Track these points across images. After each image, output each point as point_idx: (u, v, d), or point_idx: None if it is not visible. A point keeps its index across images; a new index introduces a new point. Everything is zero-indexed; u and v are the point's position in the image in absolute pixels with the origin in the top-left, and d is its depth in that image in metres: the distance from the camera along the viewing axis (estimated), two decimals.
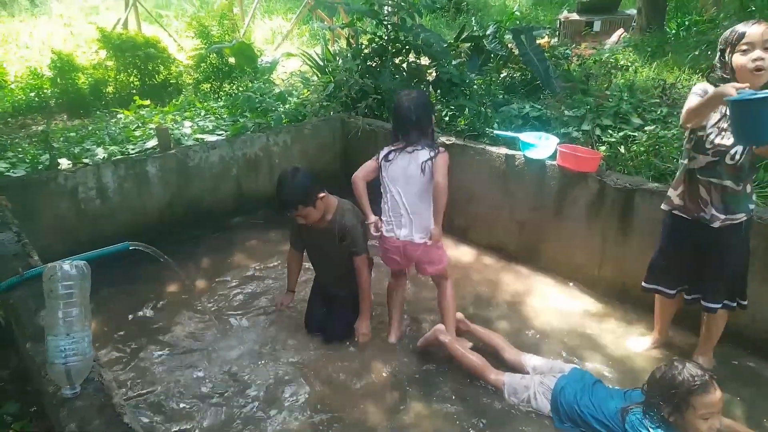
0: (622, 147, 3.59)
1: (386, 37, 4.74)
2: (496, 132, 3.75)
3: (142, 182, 3.74)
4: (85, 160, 3.79)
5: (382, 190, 2.69)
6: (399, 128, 2.67)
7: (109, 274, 3.37)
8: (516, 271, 3.52)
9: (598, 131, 3.74)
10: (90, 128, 4.90)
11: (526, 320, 3.04)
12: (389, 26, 4.71)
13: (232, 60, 6.63)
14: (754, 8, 4.07)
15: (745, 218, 2.29)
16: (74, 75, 6.79)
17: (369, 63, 4.75)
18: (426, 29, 4.80)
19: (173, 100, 6.08)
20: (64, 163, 3.76)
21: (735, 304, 2.43)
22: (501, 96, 4.73)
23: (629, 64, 6.44)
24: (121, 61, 6.90)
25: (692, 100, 2.22)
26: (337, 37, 8.43)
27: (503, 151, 3.52)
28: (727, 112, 2.13)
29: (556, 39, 9.04)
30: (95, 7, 15.02)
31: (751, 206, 2.31)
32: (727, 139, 2.19)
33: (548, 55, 5.30)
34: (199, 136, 4.31)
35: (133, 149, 4.06)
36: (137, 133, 4.45)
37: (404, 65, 4.80)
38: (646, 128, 3.91)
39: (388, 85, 4.45)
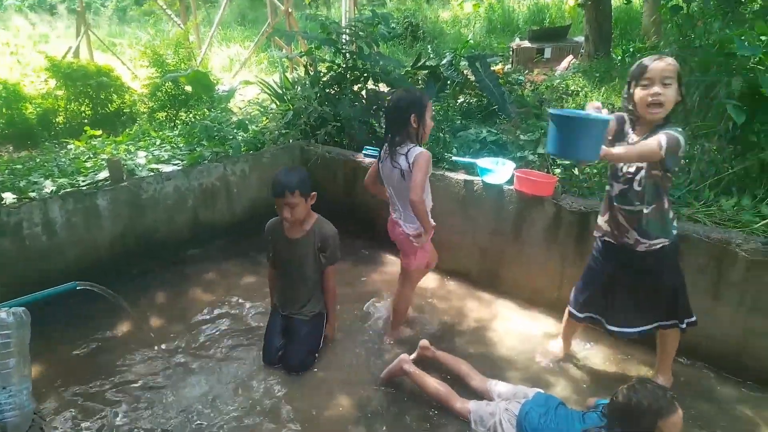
0: (576, 170, 3.70)
1: (344, 65, 4.78)
2: (454, 158, 3.80)
3: (91, 216, 3.59)
4: (32, 194, 3.62)
5: None
6: (385, 128, 2.80)
7: (57, 313, 3.23)
8: (479, 297, 3.53)
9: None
10: (38, 160, 4.70)
11: (490, 345, 3.05)
12: (347, 54, 4.75)
13: (188, 88, 6.54)
14: (693, 35, 4.30)
15: (667, 243, 2.33)
16: (21, 105, 6.56)
17: (328, 90, 4.76)
18: (384, 56, 4.86)
19: (127, 130, 5.92)
20: (9, 197, 3.58)
21: (683, 325, 2.47)
22: (458, 121, 4.83)
23: (579, 89, 6.70)
24: (71, 90, 6.72)
25: None
26: (296, 65, 8.47)
27: (462, 176, 3.56)
28: (628, 140, 2.28)
29: (509, 66, 9.35)
30: (44, 35, 14.65)
31: (674, 231, 2.36)
32: (633, 167, 2.28)
33: (503, 82, 5.46)
34: (154, 165, 4.19)
35: (83, 181, 3.91)
36: (88, 165, 4.29)
37: (363, 92, 4.84)
38: None
39: (347, 113, 4.47)
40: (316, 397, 2.64)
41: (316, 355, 2.89)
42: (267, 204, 4.46)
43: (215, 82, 6.85)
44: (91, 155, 4.60)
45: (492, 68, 5.64)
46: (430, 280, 3.71)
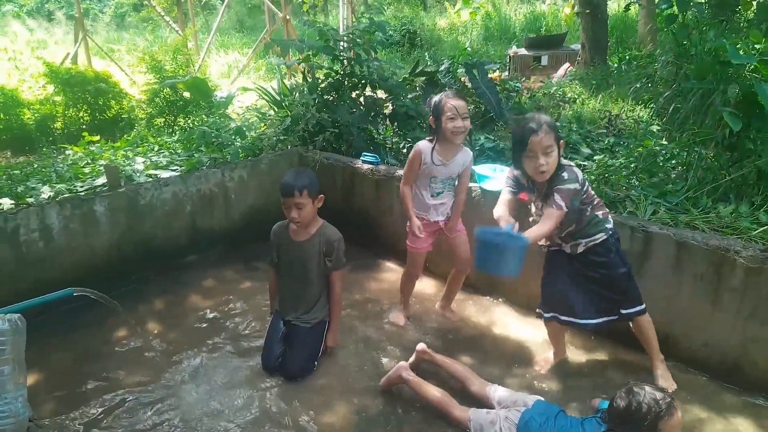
0: None
1: (342, 72, 4.79)
2: None
3: (89, 222, 3.58)
4: (29, 200, 3.61)
5: None
6: None
7: (53, 321, 3.22)
8: (478, 302, 3.53)
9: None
10: (35, 165, 4.69)
11: (489, 351, 3.04)
12: (345, 61, 4.76)
13: (186, 94, 6.55)
14: (689, 44, 4.33)
15: (604, 236, 2.56)
16: (19, 110, 6.55)
17: (326, 97, 4.77)
18: (381, 61, 4.88)
19: (125, 136, 5.92)
20: (6, 202, 3.56)
21: (637, 310, 2.63)
22: None
23: (576, 96, 6.74)
24: (69, 96, 6.72)
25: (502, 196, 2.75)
26: (294, 72, 8.49)
27: None
28: (535, 189, 2.58)
29: (506, 73, 9.40)
30: (43, 41, 14.68)
31: (608, 225, 2.59)
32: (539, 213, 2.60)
33: (500, 89, 5.48)
34: (152, 171, 4.18)
35: (81, 187, 3.90)
36: (86, 170, 4.28)
37: (361, 99, 4.85)
38: (595, 157, 4.07)
39: (345, 119, 4.47)
40: (315, 404, 2.62)
41: (316, 362, 2.87)
42: (265, 210, 4.46)
43: (213, 88, 6.86)
44: (89, 161, 4.59)
45: (489, 75, 5.66)
46: (428, 286, 3.71)
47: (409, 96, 5.07)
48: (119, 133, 6.38)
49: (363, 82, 4.80)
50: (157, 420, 2.53)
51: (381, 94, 5.07)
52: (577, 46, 9.83)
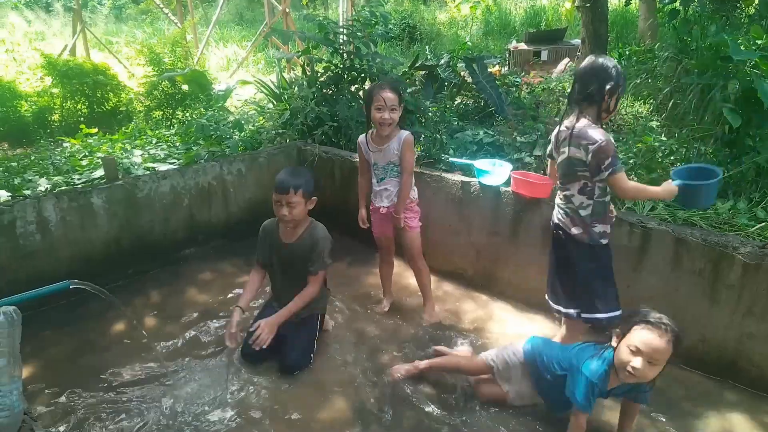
0: None
1: (342, 65, 4.77)
2: (451, 159, 3.80)
3: (86, 215, 3.57)
4: (26, 192, 3.59)
5: None
6: None
7: (50, 314, 3.22)
8: (475, 298, 3.53)
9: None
10: (33, 158, 4.67)
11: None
12: (345, 54, 4.74)
13: (185, 87, 6.52)
14: (689, 39, 4.32)
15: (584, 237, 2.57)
16: (16, 102, 6.52)
17: (325, 90, 4.75)
18: (381, 55, 4.86)
19: (123, 128, 5.89)
20: (3, 194, 3.55)
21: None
22: (455, 123, 4.82)
23: None
24: (67, 88, 6.68)
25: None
26: (293, 65, 8.45)
27: (459, 177, 3.56)
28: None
29: (506, 68, 9.36)
30: (41, 33, 14.59)
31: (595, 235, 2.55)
32: None
33: (499, 83, 5.46)
34: (150, 164, 4.17)
35: (79, 179, 3.88)
36: (84, 163, 4.27)
37: (360, 93, 4.83)
38: None
39: (345, 113, 4.46)
40: (312, 400, 2.62)
41: (311, 355, 2.87)
42: (263, 204, 4.45)
43: (212, 81, 6.83)
44: (87, 153, 4.57)
45: (489, 70, 5.64)
46: None
47: (408, 90, 5.05)
48: (117, 126, 6.35)
49: (362, 75, 4.78)
50: (153, 413, 2.53)
51: None
52: (577, 41, 9.79)
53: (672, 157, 3.85)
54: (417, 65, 5.86)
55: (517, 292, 3.42)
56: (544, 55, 10.01)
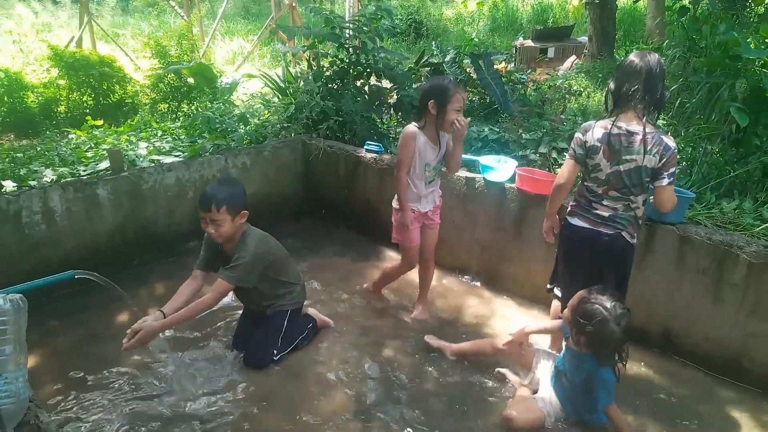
0: None
1: (348, 60, 4.76)
2: None
3: (91, 206, 3.58)
4: (32, 183, 3.61)
5: None
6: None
7: (55, 304, 3.23)
8: (478, 294, 3.53)
9: (554, 154, 3.83)
10: (39, 149, 4.68)
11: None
12: (350, 49, 4.73)
13: (191, 80, 6.52)
14: (698, 37, 4.29)
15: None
16: (23, 93, 6.53)
17: (330, 85, 4.74)
18: (387, 50, 4.85)
19: (128, 121, 5.90)
20: (9, 185, 3.57)
21: None
22: None
23: (582, 89, 6.68)
24: (74, 79, 6.68)
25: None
26: (299, 59, 8.44)
27: (463, 173, 3.55)
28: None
29: (512, 64, 9.32)
30: (47, 24, 14.61)
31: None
32: None
33: (505, 80, 5.44)
34: (155, 157, 4.18)
35: (84, 171, 3.90)
36: (89, 154, 4.28)
37: (366, 88, 4.82)
38: None
39: (350, 107, 4.45)
40: (312, 393, 2.63)
41: (275, 351, 2.80)
42: (268, 197, 4.46)
43: (218, 74, 6.83)
44: (92, 145, 4.58)
45: (495, 66, 5.62)
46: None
47: (414, 86, 5.04)
48: (123, 118, 6.36)
49: (368, 70, 4.77)
50: (156, 403, 2.54)
51: (386, 83, 5.04)
52: (584, 39, 9.74)
53: (678, 156, 3.83)
54: (423, 61, 5.85)
55: (521, 289, 3.41)
56: (550, 53, 9.96)
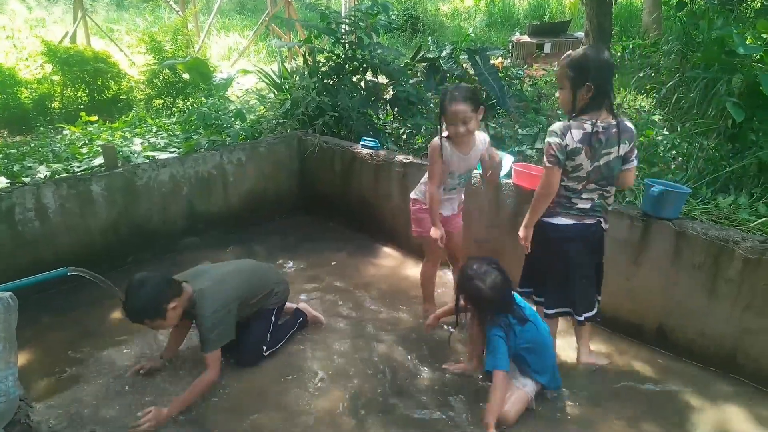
0: None
1: (344, 55, 4.74)
2: None
3: (85, 202, 3.56)
4: (25, 179, 3.59)
5: None
6: None
7: (48, 301, 3.22)
8: None
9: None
10: (32, 145, 4.65)
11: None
12: (346, 44, 4.71)
13: (186, 76, 6.48)
14: (696, 32, 4.29)
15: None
16: (16, 89, 6.50)
17: (326, 80, 4.72)
18: (383, 46, 4.83)
19: (123, 116, 5.87)
20: (2, 181, 3.54)
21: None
22: None
23: None
24: (68, 75, 6.65)
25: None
26: (295, 55, 8.40)
27: None
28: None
29: (508, 60, 9.31)
30: (41, 19, 14.50)
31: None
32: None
33: (502, 76, 5.43)
34: (149, 153, 4.16)
35: (78, 167, 3.88)
36: (83, 151, 4.26)
37: (362, 83, 4.80)
38: None
39: (346, 103, 4.43)
40: (310, 389, 2.62)
41: (264, 347, 2.79)
42: (263, 194, 4.45)
43: (213, 70, 6.79)
44: (87, 141, 4.56)
45: (491, 62, 5.60)
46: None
47: (410, 81, 5.02)
48: (117, 114, 6.33)
49: (364, 66, 4.75)
50: (150, 401, 2.53)
51: (382, 79, 5.02)
52: (580, 34, 9.72)
53: (674, 152, 3.83)
54: (419, 56, 5.83)
55: (516, 286, 3.40)
56: (547, 48, 9.95)
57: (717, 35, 3.74)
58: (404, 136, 4.70)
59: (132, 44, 7.82)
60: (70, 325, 3.10)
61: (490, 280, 2.30)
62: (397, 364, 2.79)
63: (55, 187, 3.43)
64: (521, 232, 2.60)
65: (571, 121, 2.35)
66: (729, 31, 3.48)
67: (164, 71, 6.46)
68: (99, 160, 3.90)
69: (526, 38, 10.21)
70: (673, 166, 3.62)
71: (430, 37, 7.62)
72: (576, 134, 2.32)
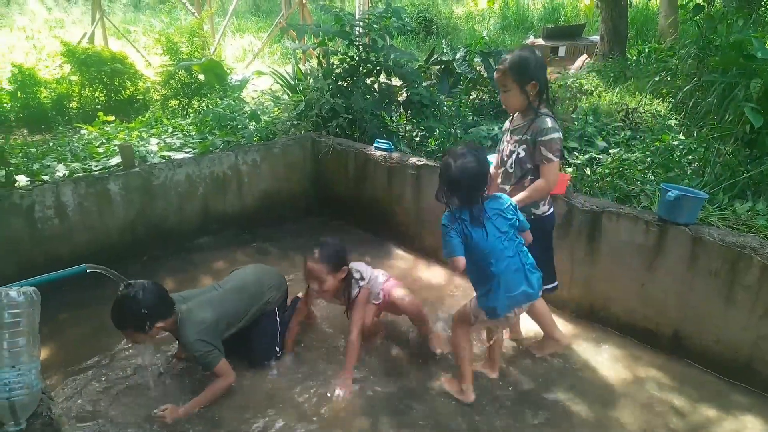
0: (588, 169, 3.68)
1: (358, 58, 4.76)
2: None
3: (103, 201, 3.61)
4: (45, 177, 3.65)
5: None
6: None
7: (67, 297, 3.26)
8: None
9: (565, 153, 3.81)
10: (51, 144, 4.74)
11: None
12: (360, 47, 4.73)
13: (201, 77, 6.56)
14: (714, 36, 4.25)
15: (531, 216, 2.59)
16: (36, 89, 6.61)
17: (340, 83, 4.75)
18: (397, 49, 4.84)
19: (140, 117, 5.95)
20: (22, 180, 3.61)
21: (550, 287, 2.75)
22: (470, 117, 4.81)
23: (593, 88, 6.64)
24: (86, 75, 6.75)
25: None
26: (309, 57, 8.45)
27: None
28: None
29: None
30: (60, 20, 14.74)
31: (533, 210, 2.60)
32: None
33: None
34: (165, 153, 4.21)
35: (96, 166, 3.94)
36: (101, 150, 4.32)
37: (375, 85, 4.82)
38: (610, 151, 4.02)
39: (360, 105, 4.45)
40: (319, 391, 2.64)
41: (277, 347, 2.81)
42: (277, 194, 4.48)
43: (228, 71, 6.86)
44: (104, 141, 4.63)
45: None
46: (434, 275, 3.70)
47: (424, 84, 5.03)
48: (134, 114, 6.41)
49: (378, 68, 4.77)
50: (164, 398, 2.56)
51: (396, 81, 5.04)
52: (595, 38, 9.68)
53: (690, 157, 3.80)
54: (433, 59, 5.83)
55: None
56: (561, 51, 9.91)
57: (735, 39, 3.71)
58: (417, 139, 4.71)
59: (149, 45, 7.94)
60: (88, 321, 3.15)
61: (461, 162, 2.23)
62: (410, 366, 2.79)
63: (74, 186, 3.49)
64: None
65: (550, 116, 2.50)
66: (747, 35, 3.45)
67: (180, 72, 6.54)
68: (116, 160, 3.95)
69: (540, 41, 10.18)
70: (689, 171, 3.59)
71: (443, 40, 7.62)
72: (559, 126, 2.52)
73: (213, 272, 3.76)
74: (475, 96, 5.58)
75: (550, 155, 2.45)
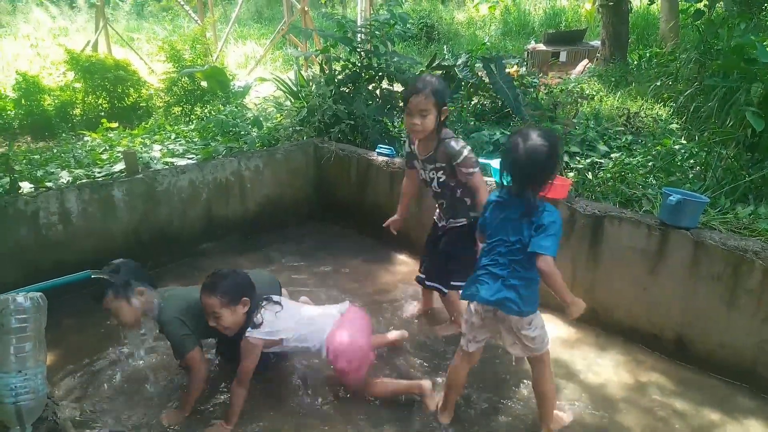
0: (590, 173, 3.68)
1: (359, 64, 4.79)
2: None
3: (107, 207, 3.63)
4: (48, 184, 3.67)
5: None
6: None
7: (72, 303, 3.27)
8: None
9: (566, 158, 3.82)
10: (55, 151, 4.76)
11: (499, 348, 3.02)
12: (362, 53, 4.76)
13: (204, 84, 6.59)
14: (715, 40, 4.26)
15: (464, 222, 2.82)
16: (40, 96, 6.65)
17: (342, 89, 4.77)
18: (399, 54, 4.87)
19: (143, 123, 5.98)
20: (26, 186, 3.63)
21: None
22: (472, 122, 4.82)
23: (594, 93, 6.66)
24: (89, 83, 6.80)
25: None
26: (311, 63, 8.50)
27: None
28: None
29: (524, 68, 9.31)
30: (64, 28, 14.84)
31: (472, 213, 2.75)
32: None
33: (517, 84, 5.44)
34: (168, 159, 4.23)
35: (99, 173, 3.95)
36: (104, 157, 4.34)
37: (377, 91, 4.84)
38: (612, 155, 4.02)
39: (362, 111, 4.47)
40: (326, 392, 2.64)
41: (270, 354, 2.69)
42: (280, 200, 4.49)
43: (231, 78, 6.89)
44: (107, 147, 4.65)
45: (507, 70, 5.61)
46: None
47: None
48: (137, 121, 6.45)
49: (380, 74, 4.79)
50: (169, 402, 2.57)
51: (397, 87, 5.06)
52: (596, 43, 9.71)
53: (692, 161, 3.80)
54: (434, 64, 5.85)
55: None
56: (562, 56, 9.94)
57: (736, 43, 3.72)
58: None
59: (152, 53, 7.98)
60: (93, 327, 3.15)
61: (531, 144, 1.97)
62: (412, 370, 2.79)
63: (78, 192, 3.51)
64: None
65: (450, 137, 2.68)
66: (748, 39, 3.46)
67: (183, 79, 6.57)
68: (119, 166, 3.97)
69: (541, 47, 10.22)
70: (691, 175, 3.60)
71: (445, 46, 7.66)
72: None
73: None
74: (476, 101, 5.60)
75: (471, 170, 2.66)
